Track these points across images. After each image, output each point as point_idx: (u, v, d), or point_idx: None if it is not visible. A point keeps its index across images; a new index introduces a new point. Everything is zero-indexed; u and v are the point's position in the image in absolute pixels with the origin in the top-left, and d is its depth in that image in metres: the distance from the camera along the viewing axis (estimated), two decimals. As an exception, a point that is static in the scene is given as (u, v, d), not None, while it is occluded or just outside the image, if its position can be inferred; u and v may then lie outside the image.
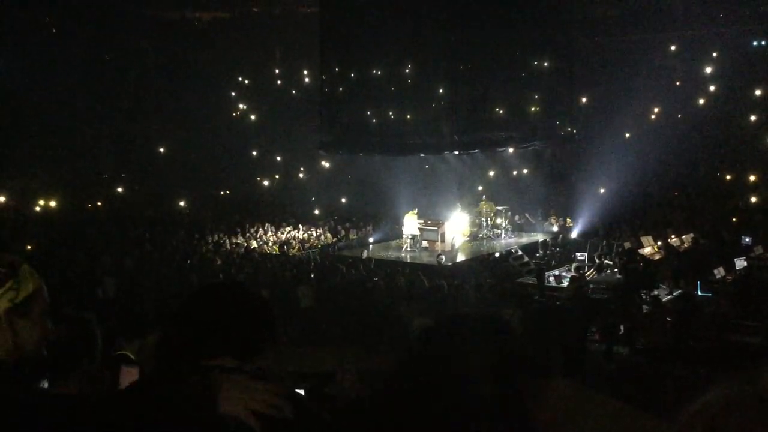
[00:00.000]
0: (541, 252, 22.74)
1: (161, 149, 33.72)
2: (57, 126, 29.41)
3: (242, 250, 22.48)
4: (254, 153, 35.61)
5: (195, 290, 2.06)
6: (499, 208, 25.01)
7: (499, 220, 24.71)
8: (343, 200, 30.32)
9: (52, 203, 27.04)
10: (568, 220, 24.71)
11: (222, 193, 32.14)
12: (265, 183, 33.05)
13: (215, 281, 3.03)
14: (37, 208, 26.34)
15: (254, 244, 23.72)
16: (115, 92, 32.50)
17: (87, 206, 28.01)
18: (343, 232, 25.80)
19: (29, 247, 20.40)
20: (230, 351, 1.86)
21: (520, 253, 22.66)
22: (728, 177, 27.17)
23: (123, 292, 15.65)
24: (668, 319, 12.40)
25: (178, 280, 16.89)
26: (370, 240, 25.41)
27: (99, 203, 28.84)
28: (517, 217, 25.77)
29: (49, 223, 24.32)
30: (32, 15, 31.53)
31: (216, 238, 24.19)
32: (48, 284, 2.01)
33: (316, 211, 28.28)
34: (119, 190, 30.37)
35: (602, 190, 27.59)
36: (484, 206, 24.75)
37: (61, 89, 28.87)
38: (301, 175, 34.31)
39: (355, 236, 25.57)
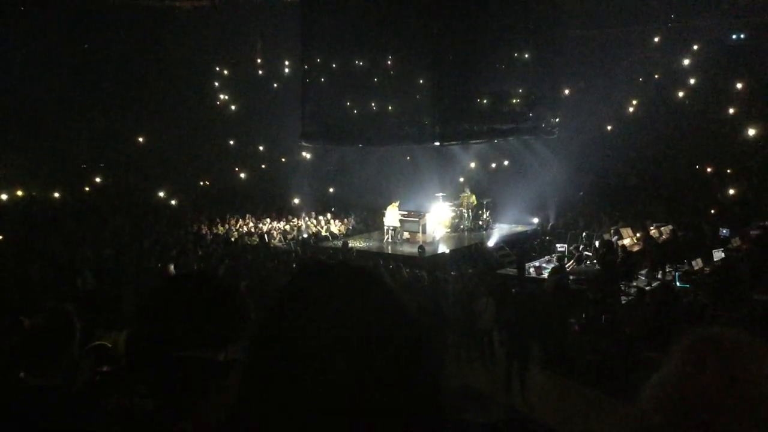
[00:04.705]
0: (521, 243, 22.84)
1: (140, 139, 33.33)
2: (34, 116, 28.99)
3: (222, 241, 22.37)
4: (232, 143, 35.41)
5: (163, 282, 2.05)
6: (482, 200, 25.07)
7: (480, 212, 24.76)
8: (325, 191, 30.23)
9: (31, 193, 26.72)
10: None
11: (202, 183, 31.88)
12: (245, 174, 32.85)
13: (182, 273, 3.00)
14: (13, 198, 26.00)
15: (235, 235, 23.61)
16: (93, 82, 32.05)
17: (65, 197, 27.68)
18: (324, 223, 25.75)
19: (1, 237, 20.18)
20: (201, 342, 1.84)
21: (501, 244, 22.74)
22: (707, 169, 27.38)
23: (102, 284, 15.52)
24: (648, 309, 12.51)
25: (158, 272, 16.76)
26: (351, 230, 25.41)
27: (78, 193, 28.52)
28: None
29: (27, 214, 24.05)
30: (4, 4, 31.00)
31: (196, 229, 24.05)
32: (27, 276, 2.00)
33: (297, 202, 28.18)
34: (97, 180, 30.02)
35: (583, 183, 27.72)
36: (466, 198, 24.79)
37: (38, 79, 28.44)
38: (282, 166, 34.13)
39: (336, 227, 25.53)
